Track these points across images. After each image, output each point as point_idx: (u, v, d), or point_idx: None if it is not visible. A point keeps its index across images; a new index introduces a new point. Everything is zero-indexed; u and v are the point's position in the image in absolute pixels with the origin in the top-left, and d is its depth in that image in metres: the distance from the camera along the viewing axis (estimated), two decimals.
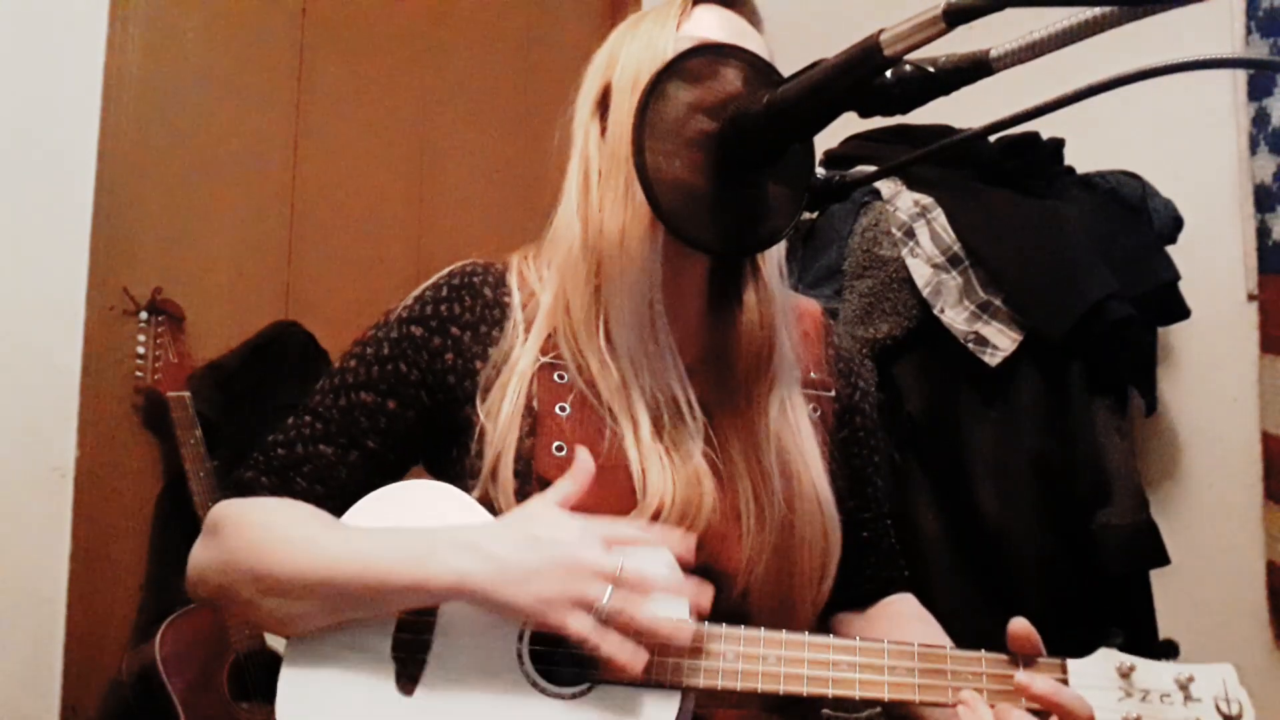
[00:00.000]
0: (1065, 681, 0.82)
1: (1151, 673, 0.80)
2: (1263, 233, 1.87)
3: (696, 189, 0.85)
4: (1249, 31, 1.88)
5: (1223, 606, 1.87)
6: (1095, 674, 0.81)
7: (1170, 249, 1.84)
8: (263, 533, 0.91)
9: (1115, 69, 0.68)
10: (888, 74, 0.74)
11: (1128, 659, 0.81)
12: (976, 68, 0.72)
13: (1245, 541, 1.88)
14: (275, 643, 1.83)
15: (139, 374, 1.98)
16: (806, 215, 1.53)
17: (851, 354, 1.10)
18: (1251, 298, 1.89)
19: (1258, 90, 1.88)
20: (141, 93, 2.06)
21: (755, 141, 0.84)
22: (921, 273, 1.71)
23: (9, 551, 1.82)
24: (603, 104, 0.96)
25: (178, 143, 2.11)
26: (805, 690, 0.83)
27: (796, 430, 0.97)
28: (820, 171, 0.91)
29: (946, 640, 0.93)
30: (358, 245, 2.31)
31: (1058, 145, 1.89)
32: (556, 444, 0.92)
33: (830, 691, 0.83)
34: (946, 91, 0.75)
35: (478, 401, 0.94)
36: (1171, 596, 1.76)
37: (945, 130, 1.57)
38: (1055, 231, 1.73)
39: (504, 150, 2.48)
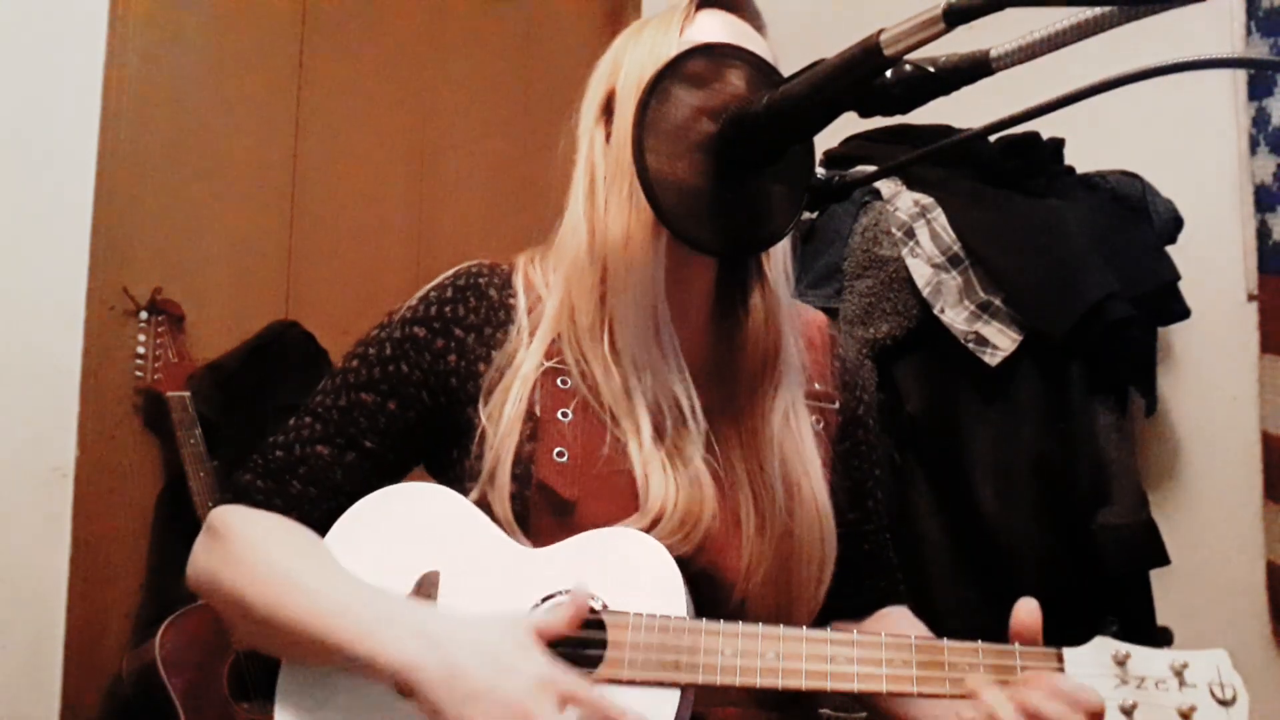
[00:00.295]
0: (1061, 670, 0.81)
1: (1146, 660, 0.81)
2: (1263, 233, 1.87)
3: (697, 189, 0.85)
4: (1249, 31, 1.88)
5: (1223, 606, 1.87)
6: (1091, 662, 0.81)
7: (1170, 249, 1.84)
8: (248, 567, 0.89)
9: (1115, 69, 0.68)
10: (888, 74, 0.75)
11: (1123, 647, 0.81)
12: (976, 68, 0.72)
13: (1245, 541, 1.88)
14: None
15: (139, 374, 1.99)
16: (806, 215, 1.53)
17: (856, 365, 1.10)
18: (1251, 298, 1.89)
19: (1258, 90, 1.88)
20: (141, 93, 2.06)
21: (755, 142, 0.84)
22: (921, 273, 1.72)
23: (9, 551, 1.82)
24: (608, 109, 0.97)
25: (178, 143, 2.12)
26: (804, 684, 0.83)
27: (799, 439, 0.96)
28: (820, 171, 0.91)
29: None
30: (358, 245, 2.31)
31: (1058, 145, 1.89)
32: (558, 450, 0.92)
33: (829, 685, 0.83)
34: (946, 91, 0.75)
35: (480, 404, 0.94)
36: (1171, 596, 1.76)
37: (945, 130, 1.57)
38: (1055, 231, 1.73)
39: (504, 150, 2.48)
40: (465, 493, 0.93)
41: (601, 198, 0.94)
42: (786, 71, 0.85)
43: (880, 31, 0.70)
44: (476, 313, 0.97)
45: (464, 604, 0.88)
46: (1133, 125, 1.91)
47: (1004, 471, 1.67)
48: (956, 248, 1.72)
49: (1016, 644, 0.83)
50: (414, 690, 0.78)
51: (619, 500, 0.90)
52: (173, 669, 1.77)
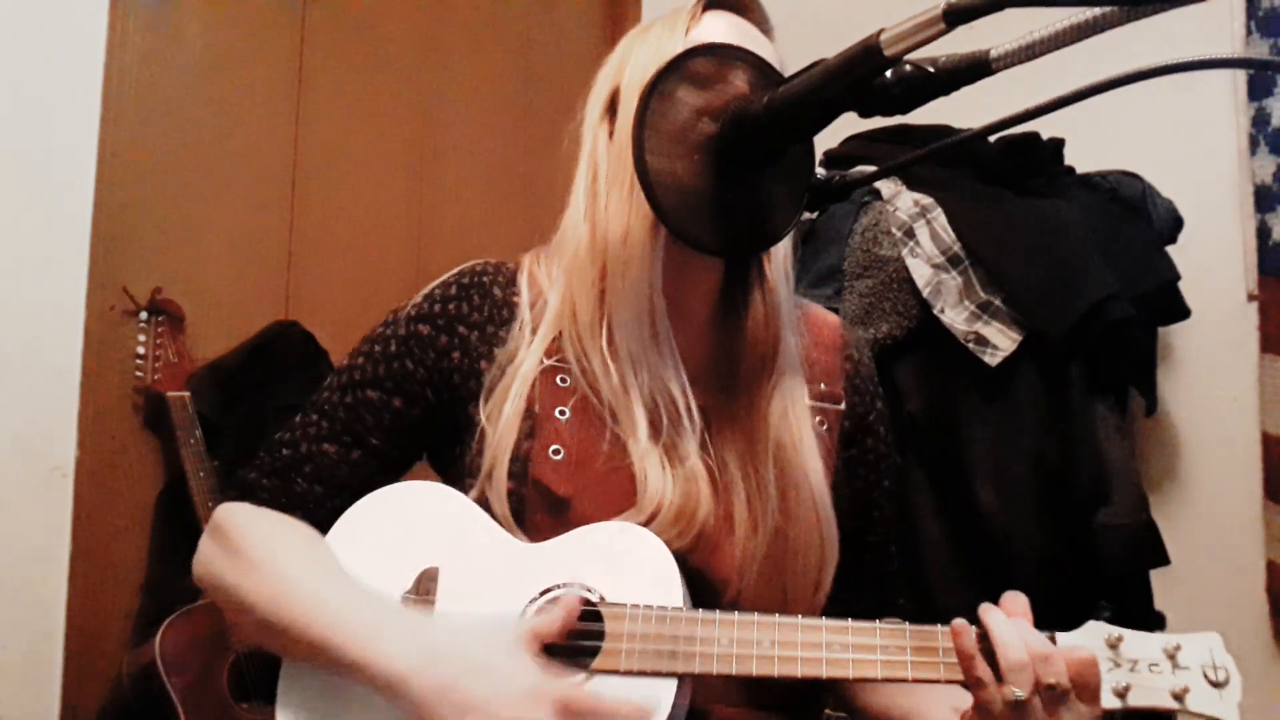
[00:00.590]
0: None
1: (1139, 643, 0.81)
2: (1263, 233, 1.87)
3: (697, 189, 0.85)
4: (1249, 31, 1.89)
5: (1223, 606, 1.87)
6: (1084, 646, 0.81)
7: (1170, 249, 1.84)
8: (251, 566, 0.90)
9: (1115, 69, 0.68)
10: (888, 74, 0.75)
11: (1115, 630, 0.82)
12: (976, 68, 0.72)
13: (1245, 541, 1.88)
14: None
15: (139, 374, 1.98)
16: (806, 215, 1.53)
17: (871, 372, 1.08)
18: (1251, 298, 1.89)
19: (1258, 90, 1.88)
20: (141, 93, 2.06)
21: (755, 142, 0.84)
22: (921, 273, 1.72)
23: (9, 551, 1.82)
24: (612, 107, 0.97)
25: (178, 143, 2.11)
26: (800, 672, 0.83)
27: (798, 438, 0.96)
28: (820, 171, 0.91)
29: None
30: (358, 245, 2.31)
31: (1058, 145, 1.89)
32: (554, 447, 0.92)
33: (824, 673, 0.83)
34: (946, 91, 0.75)
35: (481, 401, 0.94)
36: (1171, 596, 1.76)
37: (945, 130, 1.58)
38: (1055, 231, 1.73)
39: (504, 150, 2.48)
40: (467, 490, 0.93)
41: (603, 195, 0.94)
42: (786, 71, 0.85)
43: (880, 31, 0.70)
44: (480, 311, 0.97)
45: (463, 600, 0.88)
46: (1133, 125, 1.91)
47: (1004, 471, 1.67)
48: (956, 248, 1.72)
49: None
50: (405, 701, 0.78)
51: (615, 497, 0.90)
52: (173, 669, 1.77)
